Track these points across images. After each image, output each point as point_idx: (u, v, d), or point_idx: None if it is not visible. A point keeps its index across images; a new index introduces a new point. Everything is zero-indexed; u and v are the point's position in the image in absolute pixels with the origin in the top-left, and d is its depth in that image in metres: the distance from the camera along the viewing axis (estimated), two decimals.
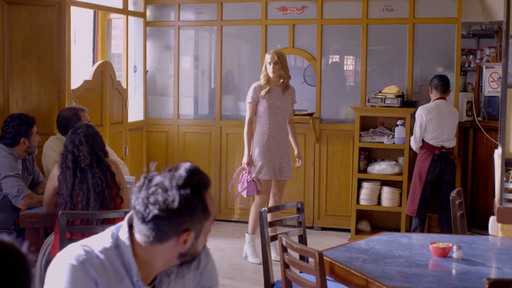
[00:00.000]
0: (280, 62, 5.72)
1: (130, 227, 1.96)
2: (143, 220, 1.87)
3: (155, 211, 1.85)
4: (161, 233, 1.88)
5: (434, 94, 6.11)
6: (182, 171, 1.88)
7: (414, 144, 6.12)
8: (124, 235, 1.95)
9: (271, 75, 5.73)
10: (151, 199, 1.85)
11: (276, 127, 5.76)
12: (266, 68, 5.77)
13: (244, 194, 5.82)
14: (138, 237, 1.93)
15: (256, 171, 5.75)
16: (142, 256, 1.95)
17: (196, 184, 1.88)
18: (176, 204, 1.84)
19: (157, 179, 1.88)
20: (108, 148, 5.08)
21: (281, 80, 5.77)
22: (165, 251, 1.93)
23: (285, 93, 5.80)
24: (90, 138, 3.98)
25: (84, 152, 3.92)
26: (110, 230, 2.00)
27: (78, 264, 1.89)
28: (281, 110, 5.78)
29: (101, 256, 1.92)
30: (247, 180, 5.80)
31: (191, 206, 1.86)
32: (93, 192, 3.90)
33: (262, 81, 5.77)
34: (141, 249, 1.94)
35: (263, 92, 5.71)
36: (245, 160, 5.83)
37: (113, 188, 3.96)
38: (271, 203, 5.88)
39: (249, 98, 5.79)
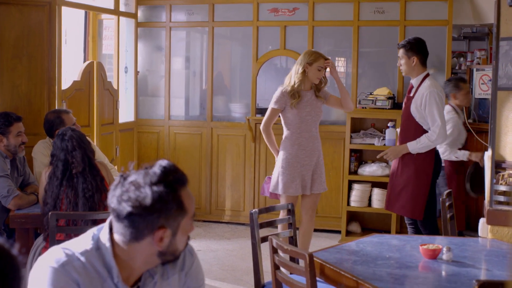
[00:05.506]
0: None
1: (112, 228, 1.96)
2: (118, 218, 1.89)
3: (128, 208, 1.85)
4: (136, 230, 1.88)
5: (452, 100, 6.10)
6: (156, 168, 1.89)
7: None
8: (105, 237, 1.96)
9: (316, 82, 5.14)
10: (125, 197, 1.86)
11: (307, 135, 5.16)
12: (303, 72, 5.11)
13: (265, 192, 5.34)
14: (116, 236, 1.94)
15: (282, 186, 5.11)
16: (122, 257, 1.95)
17: (170, 180, 1.88)
18: (148, 200, 1.84)
19: (132, 177, 1.89)
20: (100, 154, 5.08)
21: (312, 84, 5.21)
22: (143, 250, 1.93)
23: (318, 97, 5.20)
24: (81, 141, 4.00)
25: (77, 158, 3.94)
26: (91, 231, 2.00)
27: (59, 266, 1.89)
28: (312, 116, 5.17)
29: (82, 258, 1.92)
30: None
31: (164, 203, 1.86)
32: (82, 197, 3.91)
33: (296, 84, 5.10)
34: (120, 250, 1.94)
35: (294, 102, 5.08)
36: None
37: (102, 192, 3.98)
38: (304, 221, 5.23)
39: (274, 104, 5.14)
